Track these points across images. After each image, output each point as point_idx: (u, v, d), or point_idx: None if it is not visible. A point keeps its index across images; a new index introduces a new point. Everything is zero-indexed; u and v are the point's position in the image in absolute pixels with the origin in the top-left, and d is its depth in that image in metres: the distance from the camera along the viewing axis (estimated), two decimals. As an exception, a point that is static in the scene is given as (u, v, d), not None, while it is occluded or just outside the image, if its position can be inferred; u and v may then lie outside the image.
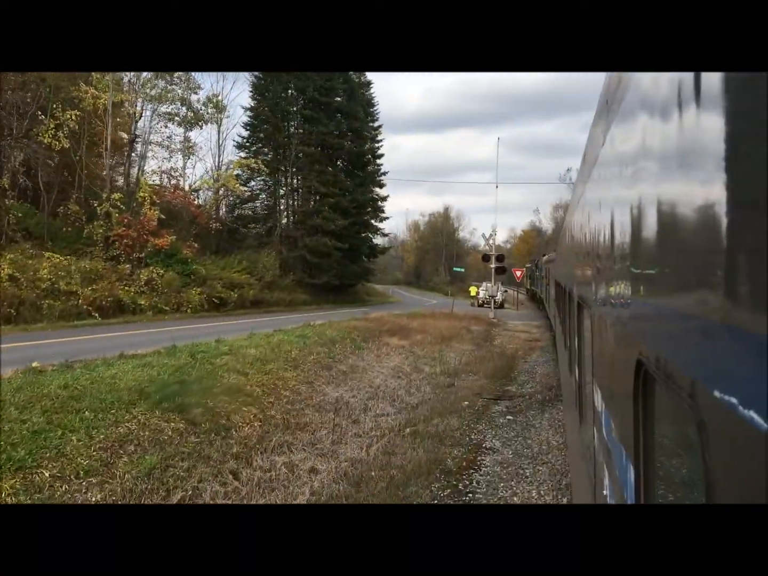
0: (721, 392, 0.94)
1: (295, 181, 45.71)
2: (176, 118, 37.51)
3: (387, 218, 54.73)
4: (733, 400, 0.88)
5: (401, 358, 20.29)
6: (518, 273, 49.23)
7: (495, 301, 36.10)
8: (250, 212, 45.65)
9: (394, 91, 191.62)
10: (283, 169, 43.41)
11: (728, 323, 0.94)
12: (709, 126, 0.97)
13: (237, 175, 43.25)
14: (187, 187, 38.35)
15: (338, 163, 48.03)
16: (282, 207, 45.53)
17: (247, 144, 44.10)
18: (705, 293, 1.08)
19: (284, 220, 45.63)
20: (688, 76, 1.04)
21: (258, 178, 44.63)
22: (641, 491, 1.69)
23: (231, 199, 43.24)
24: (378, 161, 53.95)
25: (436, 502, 8.30)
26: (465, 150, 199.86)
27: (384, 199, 53.94)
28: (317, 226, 43.30)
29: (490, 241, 33.73)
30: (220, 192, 39.98)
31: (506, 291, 54.64)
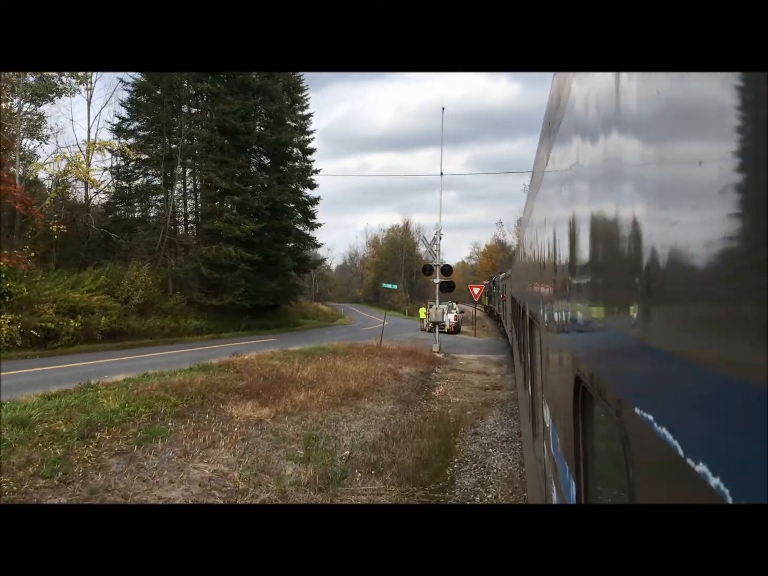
0: (641, 409, 0.98)
1: (188, 173, 35.90)
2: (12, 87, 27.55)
3: (318, 225, 45.37)
4: (651, 417, 0.92)
5: (239, 448, 10.79)
6: (476, 290, 40.35)
7: (445, 327, 26.87)
8: (139, 214, 35.73)
9: (365, 111, 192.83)
10: (175, 158, 33.65)
11: (649, 343, 0.97)
12: (639, 145, 1.08)
13: (117, 167, 33.50)
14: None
15: (250, 154, 38.48)
16: (173, 207, 35.64)
17: (127, 126, 34.30)
18: (628, 312, 1.10)
19: (179, 225, 35.72)
20: (613, 98, 1.23)
21: (145, 171, 34.85)
22: (580, 499, 1.82)
23: (103, 197, 33.47)
24: (309, 157, 44.69)
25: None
26: (432, 168, 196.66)
27: (315, 201, 44.63)
28: (216, 231, 33.63)
29: (434, 248, 24.35)
30: (74, 184, 30.12)
31: (462, 312, 45.57)
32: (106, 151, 31.95)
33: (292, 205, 43.26)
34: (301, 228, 44.71)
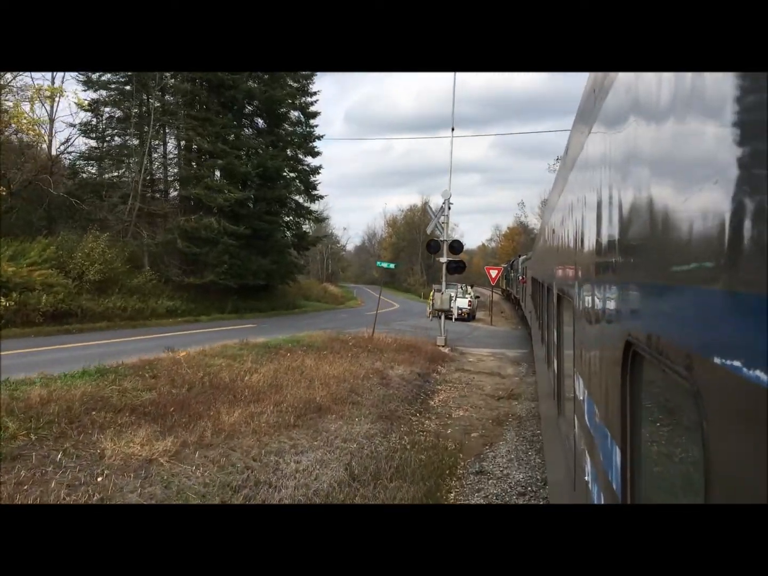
0: (719, 358, 0.99)
1: (168, 133, 31.48)
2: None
3: (320, 197, 40.83)
4: (735, 363, 0.93)
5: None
6: (493, 273, 35.75)
7: (452, 315, 22.38)
8: (111, 178, 31.42)
9: (389, 93, 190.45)
10: (149, 114, 29.23)
11: (720, 288, 1.00)
12: (684, 132, 1.14)
13: (86, 123, 29.27)
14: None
15: (239, 112, 33.94)
16: (151, 173, 31.26)
17: (99, 77, 29.86)
18: (687, 265, 1.17)
19: (156, 192, 31.41)
20: (665, 79, 1.20)
21: (119, 129, 30.50)
22: (627, 472, 1.78)
23: (69, 157, 29.28)
24: (312, 121, 40.08)
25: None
26: (456, 151, 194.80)
27: (317, 171, 40.07)
28: (197, 200, 29.32)
29: (441, 219, 19.72)
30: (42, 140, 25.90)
31: (478, 297, 40.98)
32: (73, 104, 27.78)
33: (291, 174, 38.82)
34: (300, 200, 40.23)
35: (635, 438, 1.79)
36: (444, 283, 21.63)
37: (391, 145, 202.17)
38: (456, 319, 32.48)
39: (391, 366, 16.89)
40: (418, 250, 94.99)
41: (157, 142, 30.66)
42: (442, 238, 21.08)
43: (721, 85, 0.92)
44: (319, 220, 41.88)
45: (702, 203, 1.07)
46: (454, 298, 21.57)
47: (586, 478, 2.64)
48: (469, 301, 35.72)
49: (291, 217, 39.45)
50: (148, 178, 30.41)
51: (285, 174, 36.91)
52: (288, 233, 39.14)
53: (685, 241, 1.17)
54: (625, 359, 1.77)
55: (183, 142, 31.09)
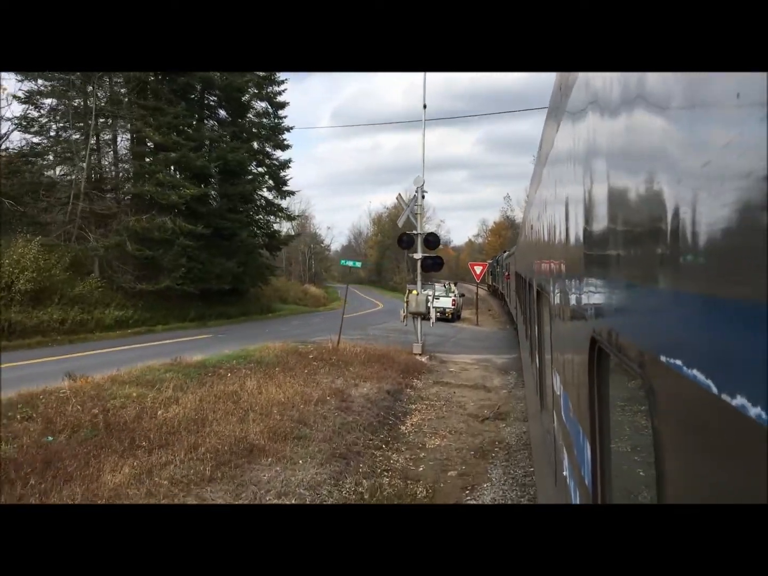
0: (667, 357, 1.01)
1: (118, 127, 28.48)
2: None
3: (291, 193, 38.06)
4: (679, 362, 0.95)
5: None
6: (478, 269, 33.20)
7: (432, 318, 19.62)
8: (55, 175, 28.41)
9: (377, 91, 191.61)
10: (93, 104, 26.30)
11: (673, 289, 1.02)
12: (648, 125, 1.15)
13: (24, 116, 26.41)
14: None
15: (195, 101, 31.08)
16: (99, 169, 28.32)
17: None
18: (645, 268, 1.18)
19: (105, 191, 28.42)
20: (630, 77, 1.25)
21: (61, 122, 27.53)
22: (597, 466, 1.80)
23: (5, 154, 26.29)
24: (281, 112, 37.27)
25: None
26: (443, 148, 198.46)
27: (286, 165, 37.31)
28: (147, 197, 26.47)
29: (414, 208, 17.02)
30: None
31: (463, 295, 38.40)
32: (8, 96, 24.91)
33: (259, 169, 36.07)
34: (270, 196, 37.48)
35: (603, 433, 1.80)
36: (419, 283, 18.93)
37: (379, 143, 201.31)
38: (437, 320, 29.93)
39: (356, 383, 14.22)
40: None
41: (108, 136, 27.71)
42: (415, 232, 18.43)
43: (668, 82, 0.99)
44: (291, 218, 39.04)
45: (658, 198, 1.08)
46: (431, 299, 18.85)
47: (564, 473, 2.68)
48: (453, 300, 33.12)
49: (261, 216, 36.68)
50: (96, 176, 27.50)
51: (250, 168, 34.13)
52: (258, 232, 36.35)
53: (639, 238, 1.19)
54: (591, 355, 1.81)
55: (135, 135, 28.11)
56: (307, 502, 7.43)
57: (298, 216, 39.80)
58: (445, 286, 34.62)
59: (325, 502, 7.54)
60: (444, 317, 32.70)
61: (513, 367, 18.35)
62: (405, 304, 18.91)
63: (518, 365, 17.36)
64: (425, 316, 18.96)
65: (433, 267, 18.46)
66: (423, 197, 18.54)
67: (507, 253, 29.53)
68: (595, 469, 1.80)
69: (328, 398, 12.46)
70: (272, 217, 37.75)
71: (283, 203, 37.66)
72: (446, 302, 32.85)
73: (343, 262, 19.96)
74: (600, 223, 1.63)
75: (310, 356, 16.29)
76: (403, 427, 12.36)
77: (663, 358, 1.02)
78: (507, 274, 27.52)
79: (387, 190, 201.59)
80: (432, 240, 18.31)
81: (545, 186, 3.86)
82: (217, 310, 32.52)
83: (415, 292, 18.84)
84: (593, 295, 1.81)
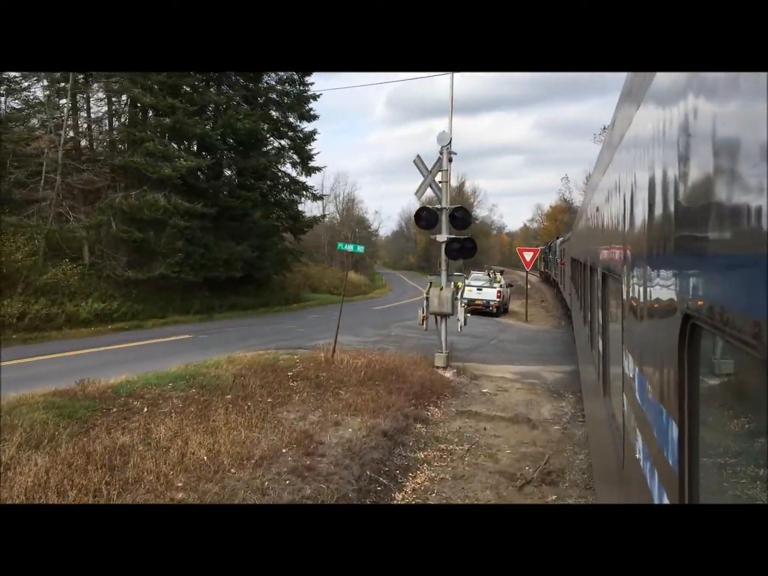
0: None
1: (102, 89, 24.62)
2: None
3: (317, 170, 33.80)
4: None
5: None
6: (527, 256, 28.30)
7: (460, 321, 14.91)
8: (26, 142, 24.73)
9: (431, 77, 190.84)
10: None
11: None
12: (743, 119, 1.09)
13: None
14: None
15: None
16: (83, 132, 24.55)
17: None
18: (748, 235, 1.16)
19: (88, 162, 24.64)
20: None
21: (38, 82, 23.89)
22: (685, 446, 1.77)
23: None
24: (307, 79, 32.96)
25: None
26: (498, 133, 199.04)
27: (311, 138, 33.04)
28: (135, 171, 22.62)
29: (437, 178, 12.46)
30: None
31: (510, 285, 33.48)
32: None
33: (281, 142, 31.98)
34: (294, 173, 33.38)
35: (693, 413, 1.79)
36: (444, 273, 14.36)
37: (432, 128, 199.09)
38: (475, 313, 25.37)
39: (340, 419, 9.88)
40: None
41: (101, 95, 23.91)
42: (439, 206, 13.87)
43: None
44: (317, 197, 34.83)
45: (747, 182, 1.10)
46: (460, 294, 14.25)
47: (637, 455, 2.72)
48: (499, 291, 28.34)
49: (284, 194, 32.63)
50: (78, 145, 23.84)
51: (267, 139, 30.04)
52: (278, 213, 32.34)
53: (737, 211, 1.20)
54: (683, 332, 1.79)
55: (116, 97, 24.21)
56: (307, 503, 6.61)
57: (324, 195, 35.35)
58: (489, 274, 29.84)
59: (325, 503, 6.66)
60: (488, 311, 28.08)
61: (569, 385, 13.68)
62: (425, 302, 14.40)
63: (576, 384, 12.78)
64: (451, 317, 14.37)
65: (462, 253, 13.84)
66: (450, 160, 13.95)
67: (561, 239, 28.54)
68: (683, 451, 1.76)
69: (283, 451, 8.17)
70: (296, 195, 33.57)
71: (309, 181, 33.40)
72: (490, 294, 28.17)
73: (340, 246, 15.56)
74: (685, 201, 1.68)
75: (290, 373, 12.03)
76: (399, 496, 8.01)
77: None
78: (561, 260, 25.76)
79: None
80: (460, 217, 13.64)
81: (622, 169, 3.78)
82: (230, 300, 28.75)
83: (438, 285, 14.29)
84: (685, 271, 1.81)
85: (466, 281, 30.18)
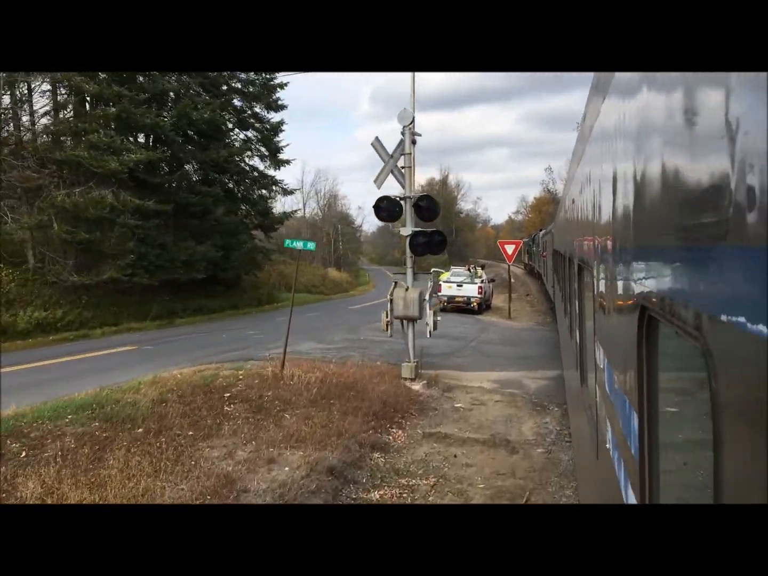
0: (727, 316, 1.03)
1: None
2: None
3: (286, 162, 31.89)
4: (742, 319, 0.96)
5: None
6: (509, 249, 26.62)
7: (430, 325, 12.82)
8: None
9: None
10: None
11: (724, 244, 1.04)
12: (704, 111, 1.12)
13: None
14: None
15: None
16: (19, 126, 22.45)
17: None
18: (696, 231, 1.21)
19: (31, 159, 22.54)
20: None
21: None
22: (644, 436, 1.83)
23: None
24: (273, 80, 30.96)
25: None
26: (482, 126, 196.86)
27: (278, 128, 31.14)
28: (79, 166, 20.60)
29: (399, 163, 10.66)
30: None
31: (493, 280, 31.77)
32: None
33: (246, 134, 30.08)
34: (262, 166, 31.47)
35: (651, 402, 1.82)
36: (410, 271, 12.52)
37: (418, 123, 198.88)
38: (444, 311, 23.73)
39: (277, 453, 8.11)
40: (438, 226, 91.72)
41: (46, 87, 21.89)
42: (401, 195, 12.07)
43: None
44: (288, 191, 32.91)
45: (711, 170, 1.10)
46: (428, 295, 12.37)
47: (607, 446, 2.70)
48: (480, 287, 26.65)
49: (253, 189, 30.70)
50: (24, 138, 21.76)
51: (230, 130, 28.12)
52: (245, 209, 30.44)
53: (692, 203, 1.22)
54: (641, 324, 1.81)
55: (68, 85, 22.20)
56: (306, 503, 6.32)
57: (294, 190, 33.38)
58: (470, 269, 28.13)
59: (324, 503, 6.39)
60: (469, 308, 26.40)
61: (554, 395, 12.00)
62: (388, 304, 12.62)
63: (562, 394, 11.17)
64: (417, 320, 12.58)
65: (429, 248, 12.01)
66: (414, 142, 12.15)
67: (543, 231, 28.43)
68: (642, 440, 1.82)
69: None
70: (265, 191, 31.68)
71: (279, 175, 31.55)
72: (471, 290, 26.49)
73: (287, 243, 13.65)
74: (650, 195, 1.68)
75: (227, 394, 10.23)
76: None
77: (723, 317, 1.06)
78: (544, 252, 25.39)
79: (423, 170, 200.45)
80: (426, 207, 11.76)
81: (589, 161, 3.89)
82: (195, 303, 26.90)
83: (404, 285, 12.49)
84: (642, 263, 1.84)
85: (444, 278, 28.48)
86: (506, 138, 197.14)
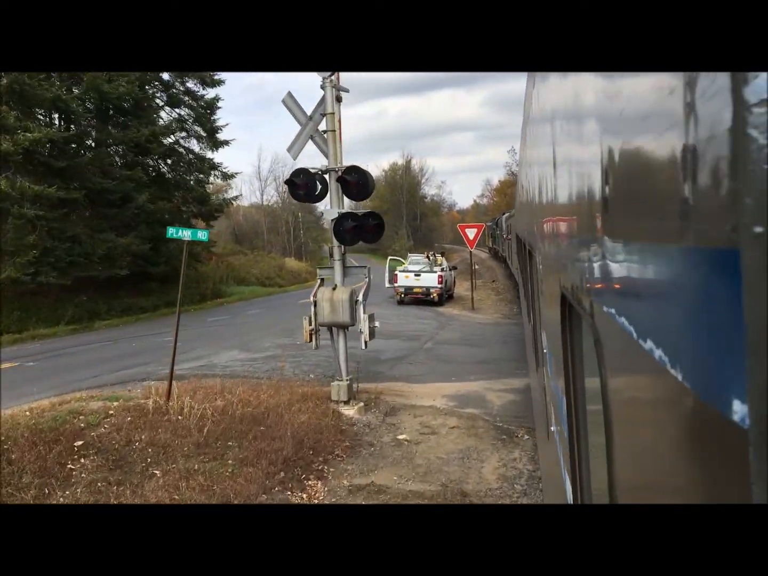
0: (607, 306, 1.07)
1: None
2: None
3: (225, 143, 28.81)
4: (612, 310, 1.01)
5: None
6: (471, 233, 24.10)
7: (365, 333, 9.97)
8: None
9: None
10: None
11: (614, 238, 1.06)
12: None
13: None
14: None
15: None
16: None
17: None
18: (595, 221, 1.23)
19: None
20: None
21: None
22: (572, 418, 1.91)
23: None
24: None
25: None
26: (448, 110, 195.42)
27: (213, 105, 28.04)
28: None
29: (320, 126, 7.88)
30: None
31: (455, 268, 29.24)
32: None
33: (179, 111, 26.92)
34: (198, 148, 28.38)
35: (577, 389, 1.85)
36: (338, 264, 9.81)
37: (384, 109, 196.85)
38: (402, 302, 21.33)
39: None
40: (402, 212, 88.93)
41: None
42: (323, 168, 9.36)
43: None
44: (227, 176, 29.79)
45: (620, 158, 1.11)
46: (362, 295, 9.61)
47: (552, 428, 2.80)
48: (440, 276, 24.14)
49: (189, 175, 27.62)
50: None
51: (157, 107, 24.98)
52: (179, 196, 27.34)
53: (598, 196, 1.22)
54: (563, 311, 1.87)
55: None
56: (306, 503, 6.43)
57: (234, 174, 30.26)
58: (429, 257, 25.61)
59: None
60: (429, 300, 23.92)
61: (524, 416, 9.50)
62: (311, 308, 9.92)
63: (532, 415, 8.67)
64: (348, 328, 9.91)
65: (360, 234, 9.27)
66: (339, 99, 9.42)
67: (507, 214, 28.52)
68: (572, 425, 1.86)
69: None
70: (202, 175, 28.61)
71: (217, 157, 28.43)
72: (430, 280, 23.99)
73: (170, 232, 10.81)
74: (570, 182, 1.67)
75: (80, 442, 7.45)
76: None
77: (605, 309, 1.08)
78: (507, 236, 24.94)
79: (388, 157, 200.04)
80: (354, 182, 8.93)
81: (528, 145, 3.92)
82: (123, 303, 23.88)
83: (332, 283, 9.79)
84: (561, 251, 1.85)
85: (401, 268, 25.91)
86: (471, 122, 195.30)
